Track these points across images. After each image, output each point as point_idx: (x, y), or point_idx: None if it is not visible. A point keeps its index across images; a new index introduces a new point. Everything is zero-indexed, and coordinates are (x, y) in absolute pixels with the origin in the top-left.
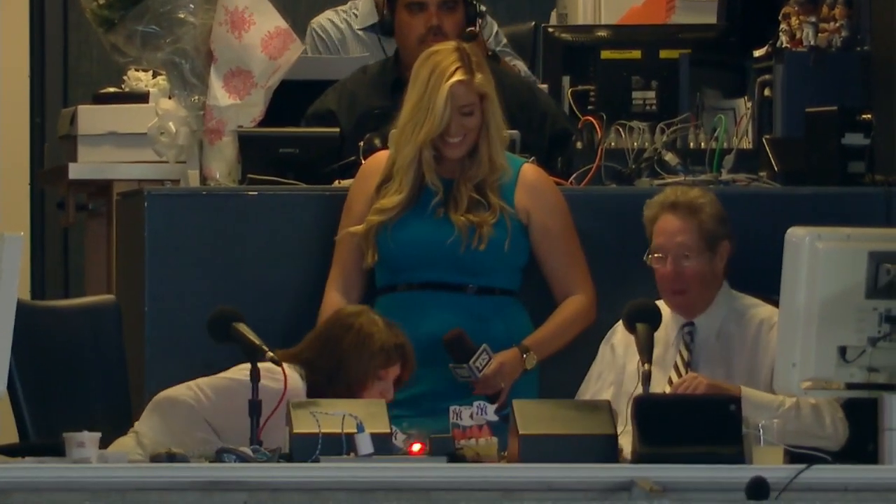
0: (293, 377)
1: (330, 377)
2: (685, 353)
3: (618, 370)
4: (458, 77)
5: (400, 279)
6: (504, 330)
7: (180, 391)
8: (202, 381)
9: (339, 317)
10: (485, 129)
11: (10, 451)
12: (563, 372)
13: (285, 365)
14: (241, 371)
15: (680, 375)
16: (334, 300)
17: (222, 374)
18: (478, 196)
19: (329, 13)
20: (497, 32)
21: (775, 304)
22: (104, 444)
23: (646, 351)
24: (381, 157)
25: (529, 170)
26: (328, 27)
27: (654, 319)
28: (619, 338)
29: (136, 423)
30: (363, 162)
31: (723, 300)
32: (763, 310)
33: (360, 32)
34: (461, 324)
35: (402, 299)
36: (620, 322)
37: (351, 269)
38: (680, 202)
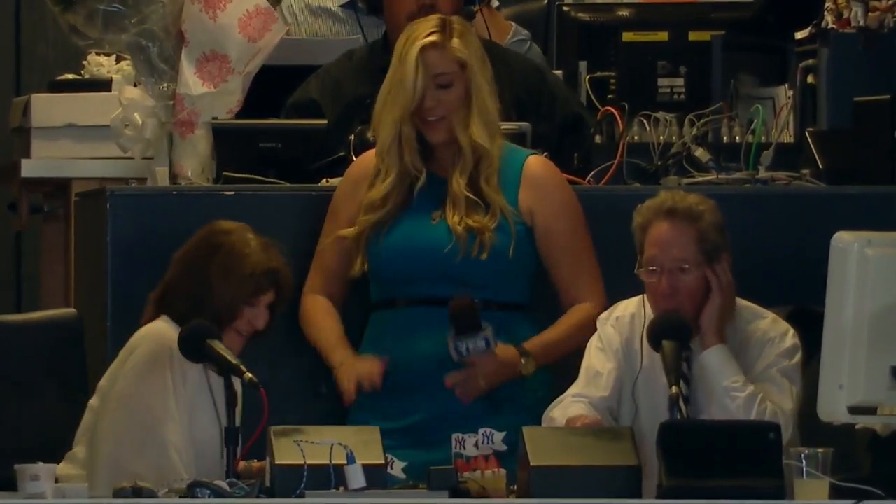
0: (160, 329)
1: (194, 304)
2: (682, 386)
3: (622, 348)
4: (429, 39)
5: (398, 293)
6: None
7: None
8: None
9: (209, 234)
10: (468, 109)
11: None
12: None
13: (158, 322)
14: (128, 366)
15: (685, 406)
16: (319, 300)
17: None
18: (475, 196)
19: None
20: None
21: (814, 314)
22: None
23: (673, 371)
24: (370, 157)
25: (535, 163)
26: (302, 9)
27: (683, 335)
28: (621, 312)
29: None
30: (353, 159)
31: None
32: (763, 323)
33: (336, 10)
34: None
35: (401, 316)
36: (620, 306)
37: (334, 277)
38: (678, 208)
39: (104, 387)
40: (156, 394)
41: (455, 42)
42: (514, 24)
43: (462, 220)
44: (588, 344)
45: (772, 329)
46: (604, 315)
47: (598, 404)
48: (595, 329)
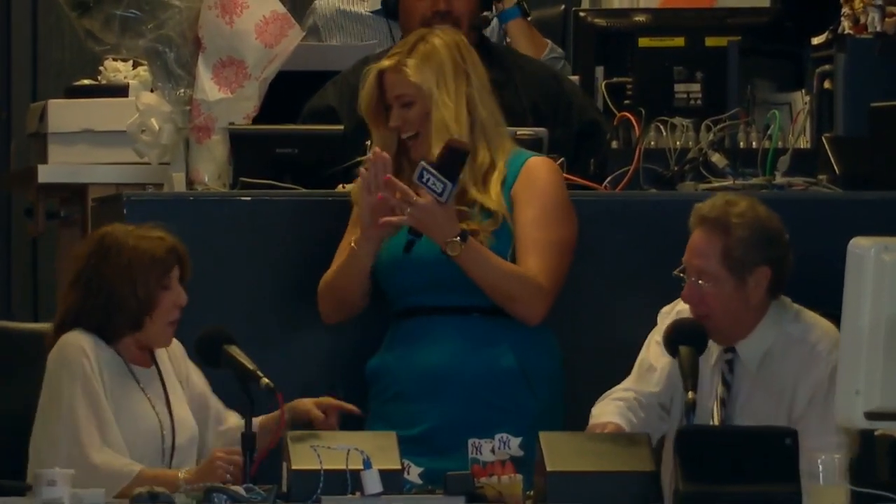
0: (71, 340)
1: (109, 313)
2: (721, 389)
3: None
4: (384, 63)
5: (409, 303)
6: (514, 360)
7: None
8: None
9: (90, 245)
10: (428, 126)
11: None
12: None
13: (72, 334)
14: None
15: (722, 410)
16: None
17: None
18: (461, 207)
19: None
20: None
21: (837, 320)
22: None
23: (690, 377)
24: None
25: (535, 162)
26: (324, 6)
27: (699, 342)
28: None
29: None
30: None
31: (772, 323)
32: (817, 331)
33: (368, 14)
34: (467, 354)
35: (411, 326)
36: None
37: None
38: (709, 217)
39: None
40: (63, 407)
41: (410, 63)
42: (550, 42)
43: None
44: (649, 336)
45: (825, 337)
46: (666, 308)
47: (648, 400)
48: (528, 299)
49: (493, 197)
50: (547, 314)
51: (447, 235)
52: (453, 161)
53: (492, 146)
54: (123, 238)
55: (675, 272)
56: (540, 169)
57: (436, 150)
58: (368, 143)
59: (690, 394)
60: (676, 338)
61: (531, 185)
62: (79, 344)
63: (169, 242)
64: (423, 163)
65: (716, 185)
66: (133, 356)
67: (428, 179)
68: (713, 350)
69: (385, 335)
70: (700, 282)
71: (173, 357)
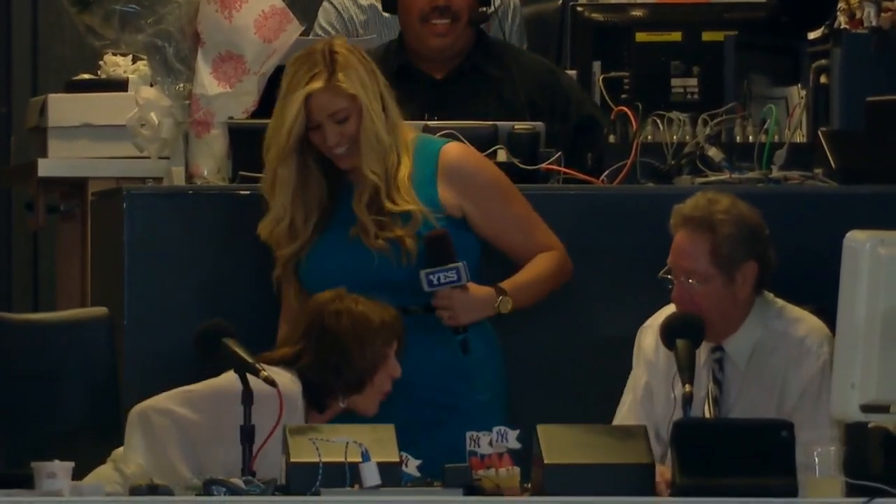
0: (286, 383)
1: (338, 371)
2: (712, 388)
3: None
4: (315, 85)
5: None
6: (452, 357)
7: (160, 403)
8: (185, 389)
9: (319, 306)
10: (361, 138)
11: None
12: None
13: (275, 369)
14: (233, 379)
15: (713, 408)
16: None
17: (209, 382)
18: (380, 217)
19: None
20: (519, 22)
21: (831, 315)
22: (86, 474)
23: (686, 370)
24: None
25: (448, 152)
26: (349, 6)
27: (697, 335)
28: (648, 342)
29: (116, 450)
30: None
31: (757, 319)
32: (803, 325)
33: (385, 15)
34: (415, 350)
35: None
36: (647, 329)
37: (293, 302)
38: (694, 217)
39: None
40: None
41: (340, 77)
42: None
43: (377, 235)
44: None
45: (814, 332)
46: (646, 323)
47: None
48: (565, 270)
49: (406, 198)
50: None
51: (490, 306)
52: (442, 247)
53: (398, 142)
54: (356, 304)
55: (661, 274)
56: (466, 159)
57: (367, 160)
58: None
59: (687, 387)
60: (673, 331)
61: (472, 182)
62: (291, 394)
63: (394, 312)
64: (421, 272)
65: (712, 179)
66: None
67: (438, 279)
68: (702, 349)
69: None
70: (690, 281)
71: None
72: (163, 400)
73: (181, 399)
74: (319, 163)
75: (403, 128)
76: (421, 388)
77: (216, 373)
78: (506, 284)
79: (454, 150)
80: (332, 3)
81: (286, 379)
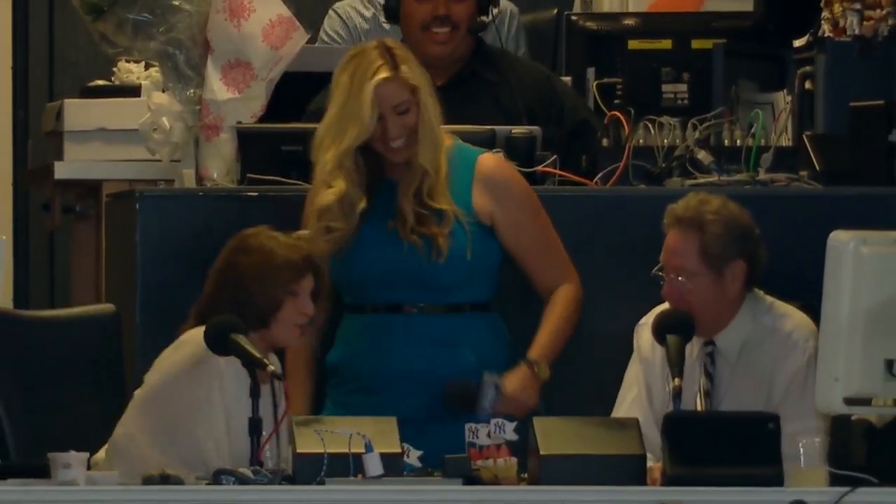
0: (219, 362)
1: (238, 308)
2: (704, 381)
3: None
4: (381, 75)
5: (366, 299)
6: (474, 357)
7: (119, 430)
8: (138, 395)
9: (236, 241)
10: (421, 130)
11: None
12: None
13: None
14: (185, 352)
15: (704, 400)
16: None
17: (163, 368)
18: (422, 209)
19: (356, 1)
20: (517, 28)
21: (817, 311)
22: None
23: (676, 365)
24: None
25: (486, 162)
26: (353, 15)
27: (687, 330)
28: (645, 339)
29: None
30: None
31: (747, 315)
32: (791, 321)
33: (386, 26)
34: (428, 350)
35: (369, 322)
36: (643, 326)
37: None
38: (684, 217)
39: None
40: (191, 395)
41: (404, 69)
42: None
43: (414, 230)
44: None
45: (799, 328)
46: (641, 321)
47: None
48: (578, 307)
49: (443, 197)
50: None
51: (532, 384)
52: (461, 398)
53: (440, 146)
54: (266, 240)
55: (653, 272)
56: (502, 169)
57: (423, 152)
58: None
59: (677, 380)
60: (664, 327)
61: (505, 193)
62: (212, 359)
63: (304, 251)
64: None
65: (701, 181)
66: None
67: (486, 407)
68: (694, 344)
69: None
70: (680, 279)
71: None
72: (121, 424)
73: (137, 410)
74: (363, 156)
75: (442, 131)
76: (438, 385)
77: None
78: (533, 352)
79: (491, 160)
80: (336, 12)
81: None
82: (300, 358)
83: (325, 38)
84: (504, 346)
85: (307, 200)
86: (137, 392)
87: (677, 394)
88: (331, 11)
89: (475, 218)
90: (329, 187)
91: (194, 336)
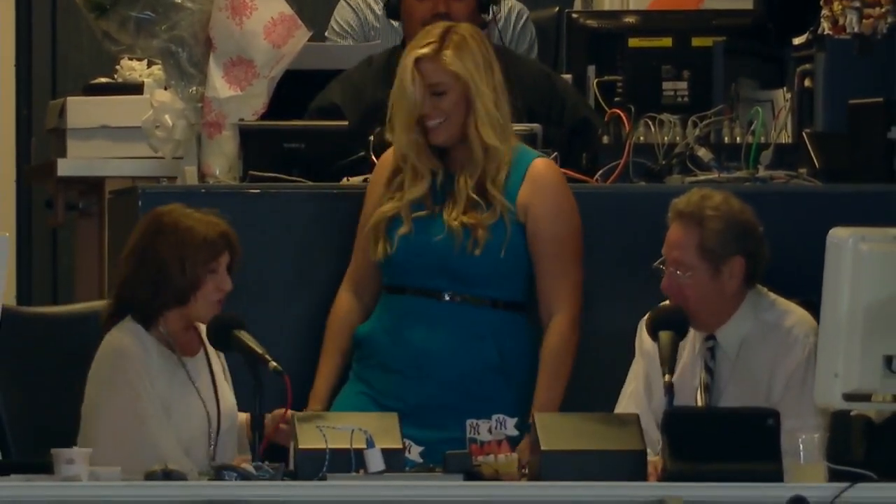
0: (112, 339)
1: (155, 289)
2: (703, 376)
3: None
4: (421, 51)
5: (404, 281)
6: (496, 354)
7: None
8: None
9: (148, 221)
10: (471, 113)
11: None
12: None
13: (113, 332)
14: (94, 374)
15: (704, 395)
16: (343, 301)
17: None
18: (477, 196)
19: None
20: (523, 26)
21: (817, 307)
22: None
23: (668, 361)
24: (387, 157)
25: (540, 164)
26: (364, 8)
27: (680, 327)
28: (646, 335)
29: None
30: (373, 159)
31: (748, 311)
32: (791, 317)
33: (394, 22)
34: (452, 341)
35: (400, 303)
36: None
37: (364, 268)
38: (685, 211)
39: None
40: (125, 402)
41: (447, 54)
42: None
43: (458, 216)
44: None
45: (799, 324)
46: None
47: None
48: (571, 343)
49: (498, 191)
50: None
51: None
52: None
53: (510, 140)
54: (181, 217)
55: (655, 264)
56: (549, 176)
57: (474, 133)
58: (372, 137)
59: (667, 376)
60: (658, 323)
61: (544, 195)
62: (132, 350)
63: (222, 228)
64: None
65: (701, 178)
66: (181, 340)
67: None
68: (696, 339)
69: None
70: (678, 272)
71: None
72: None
73: (87, 427)
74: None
75: (513, 130)
76: (463, 377)
77: (228, 362)
78: (538, 407)
79: (545, 162)
80: (349, 3)
81: (113, 336)
82: (341, 335)
83: (336, 28)
84: (528, 345)
85: (379, 164)
86: (83, 409)
87: (669, 389)
88: (342, 2)
89: (516, 215)
90: (403, 172)
91: (104, 347)
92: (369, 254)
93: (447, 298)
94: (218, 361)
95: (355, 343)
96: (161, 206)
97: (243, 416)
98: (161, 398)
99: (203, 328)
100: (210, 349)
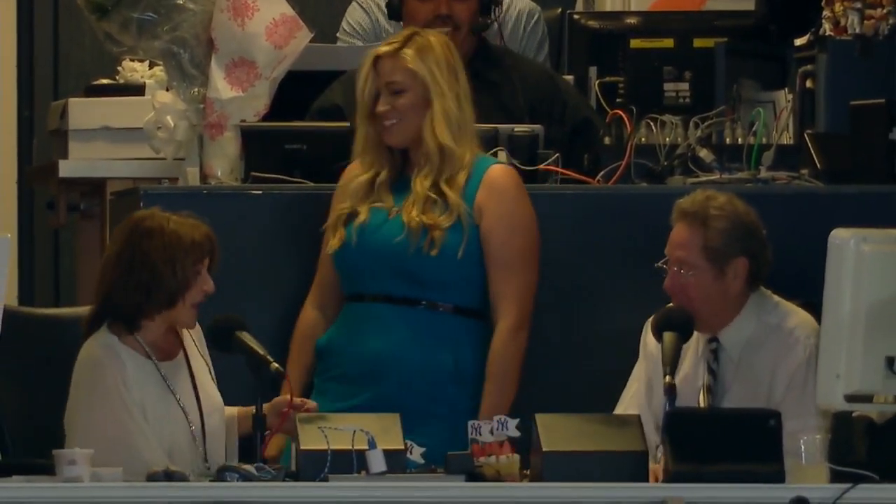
0: (85, 353)
1: (145, 294)
2: (706, 378)
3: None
4: (382, 49)
5: (361, 288)
6: (451, 359)
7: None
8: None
9: (131, 226)
10: (428, 114)
11: None
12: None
13: (86, 344)
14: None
15: (707, 397)
16: (306, 316)
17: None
18: (435, 195)
19: None
20: (534, 27)
21: (817, 308)
22: None
23: (671, 363)
24: (353, 168)
25: (497, 169)
26: (374, 10)
27: (685, 329)
28: (651, 335)
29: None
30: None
31: (751, 313)
32: (793, 318)
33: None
34: (408, 346)
35: (357, 311)
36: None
37: (327, 282)
38: (689, 211)
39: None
40: (105, 412)
41: (407, 52)
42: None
43: (417, 216)
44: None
45: (801, 326)
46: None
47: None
48: (517, 349)
49: (456, 193)
50: (530, 324)
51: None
52: None
53: (471, 147)
54: (167, 223)
55: (658, 264)
56: (504, 181)
57: (429, 134)
58: None
59: (668, 378)
60: (663, 325)
61: (499, 200)
62: (107, 361)
63: (205, 230)
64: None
65: (703, 179)
66: (160, 346)
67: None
68: (699, 341)
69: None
70: (681, 272)
71: (198, 339)
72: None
73: (71, 439)
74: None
75: (477, 138)
76: (419, 381)
77: (228, 363)
78: (486, 410)
79: (501, 168)
80: (360, 4)
81: (86, 349)
82: (304, 350)
83: (347, 29)
84: (484, 351)
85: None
86: (65, 420)
87: (668, 391)
88: (354, 3)
89: (473, 220)
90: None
91: (88, 353)
92: (327, 250)
93: (403, 303)
94: (201, 361)
95: (317, 355)
96: (138, 212)
97: (231, 411)
98: (139, 406)
99: (190, 334)
100: (190, 350)
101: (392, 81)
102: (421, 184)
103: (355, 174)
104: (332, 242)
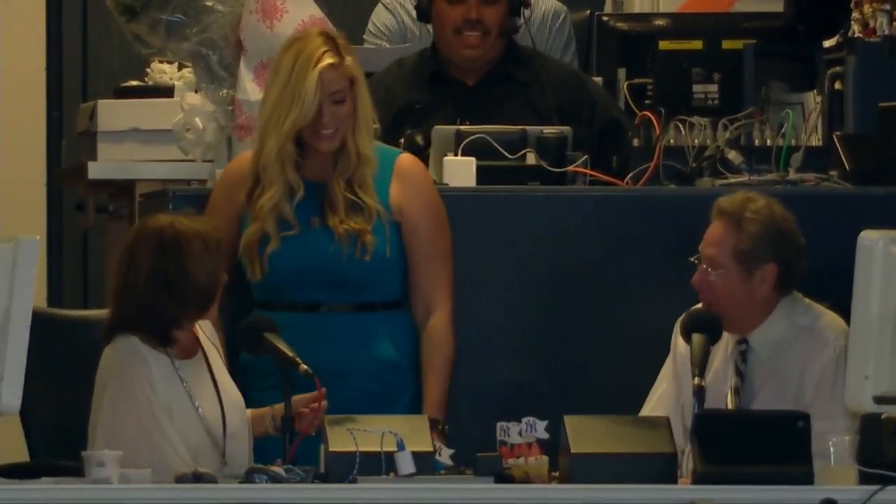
0: (107, 360)
1: (181, 292)
2: (734, 380)
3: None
4: (327, 61)
5: (279, 297)
6: (394, 352)
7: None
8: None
9: (153, 229)
10: (352, 118)
11: (24, 472)
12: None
13: (107, 351)
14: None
15: (735, 398)
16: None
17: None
18: (353, 197)
19: None
20: (559, 27)
21: (845, 310)
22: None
23: (699, 364)
24: (244, 160)
25: (405, 160)
26: (401, 11)
27: (714, 331)
28: (680, 341)
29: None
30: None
31: (782, 315)
32: (823, 321)
33: (429, 26)
34: (340, 350)
35: (282, 321)
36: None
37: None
38: (726, 210)
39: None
40: (130, 416)
41: (348, 60)
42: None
43: (343, 222)
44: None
45: (829, 328)
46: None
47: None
48: (451, 331)
49: (370, 194)
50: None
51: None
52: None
53: (370, 139)
54: (184, 226)
55: (691, 259)
56: (417, 173)
57: (362, 140)
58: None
59: (697, 379)
60: (692, 326)
61: (415, 192)
62: (132, 362)
63: (212, 223)
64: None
65: (732, 181)
66: (182, 345)
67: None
68: (729, 342)
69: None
70: (710, 270)
71: (210, 335)
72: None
73: (97, 440)
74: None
75: (372, 127)
76: (359, 380)
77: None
78: (431, 411)
79: (410, 158)
80: (385, 6)
81: (107, 356)
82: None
83: (373, 30)
84: (414, 345)
85: (233, 167)
86: (89, 426)
87: (697, 392)
88: (380, 5)
89: (391, 215)
90: (266, 184)
91: (112, 356)
92: (248, 275)
93: (329, 310)
94: (216, 355)
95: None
96: (149, 221)
97: (248, 413)
98: (165, 409)
99: (200, 328)
100: (207, 347)
101: (336, 91)
102: (338, 188)
103: (242, 173)
104: (256, 269)
